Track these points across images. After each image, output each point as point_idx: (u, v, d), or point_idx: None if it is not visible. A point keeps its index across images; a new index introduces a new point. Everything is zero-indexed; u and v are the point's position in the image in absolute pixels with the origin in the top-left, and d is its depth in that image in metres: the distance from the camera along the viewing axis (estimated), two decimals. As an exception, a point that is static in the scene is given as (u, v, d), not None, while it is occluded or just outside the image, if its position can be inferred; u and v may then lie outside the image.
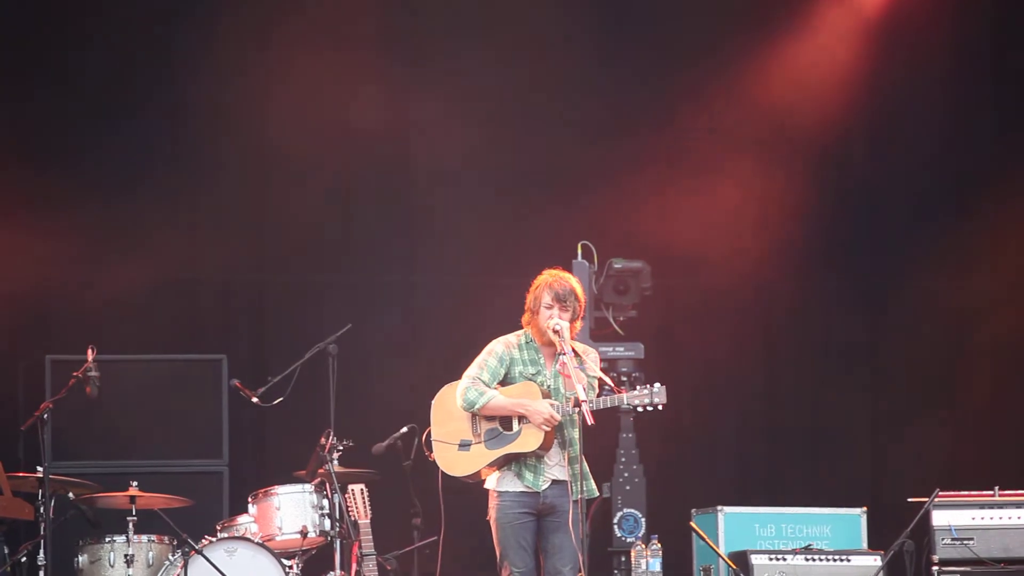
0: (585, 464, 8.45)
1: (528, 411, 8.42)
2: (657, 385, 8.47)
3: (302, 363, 10.69)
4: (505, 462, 8.47)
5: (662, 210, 12.13)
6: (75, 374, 10.13)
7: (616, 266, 11.37)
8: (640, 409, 8.52)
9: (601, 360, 8.80)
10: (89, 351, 10.09)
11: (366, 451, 10.60)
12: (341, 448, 10.37)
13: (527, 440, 8.41)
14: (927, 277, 12.29)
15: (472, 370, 8.56)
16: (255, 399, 10.71)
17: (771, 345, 12.45)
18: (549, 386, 8.50)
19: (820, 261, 12.38)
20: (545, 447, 8.40)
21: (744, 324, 12.43)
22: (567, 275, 8.62)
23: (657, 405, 8.48)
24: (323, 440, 10.29)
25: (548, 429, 8.37)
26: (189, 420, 11.80)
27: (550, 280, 8.56)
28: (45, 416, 10.08)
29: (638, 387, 8.55)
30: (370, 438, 10.67)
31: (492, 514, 8.50)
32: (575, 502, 8.31)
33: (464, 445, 8.52)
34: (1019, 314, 12.06)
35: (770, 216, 12.24)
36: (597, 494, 8.60)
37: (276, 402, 10.66)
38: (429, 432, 8.61)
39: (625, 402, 8.47)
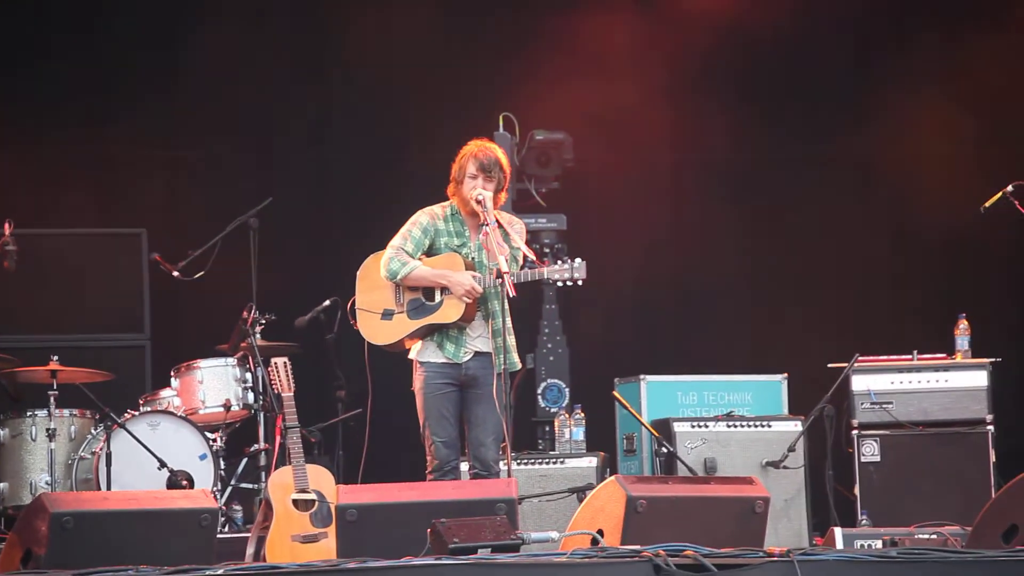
0: (511, 337, 8.46)
1: (450, 282, 8.41)
2: (578, 260, 8.47)
3: (222, 236, 10.63)
4: (427, 332, 8.47)
5: (584, 77, 12.07)
6: (-8, 247, 10.04)
7: (538, 137, 11.32)
8: (560, 284, 8.53)
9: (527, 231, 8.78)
10: (6, 225, 9.99)
11: (289, 324, 10.59)
12: (263, 322, 10.36)
13: (448, 311, 8.41)
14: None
15: (396, 240, 8.52)
16: (176, 273, 10.65)
17: (692, 212, 12.46)
18: (473, 258, 8.48)
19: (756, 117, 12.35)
20: (466, 319, 8.41)
21: (664, 192, 12.42)
22: (493, 145, 8.59)
23: (577, 280, 8.50)
24: (245, 314, 10.26)
25: (469, 301, 8.37)
26: (110, 294, 11.73)
27: (475, 150, 8.50)
28: (-37, 291, 10.01)
29: (559, 261, 8.56)
30: (292, 311, 10.65)
31: (416, 384, 8.51)
32: (498, 375, 8.32)
33: (387, 314, 8.51)
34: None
35: (690, 83, 12.20)
36: (519, 367, 8.62)
37: (197, 276, 10.61)
38: (353, 301, 8.59)
39: (546, 276, 8.47)
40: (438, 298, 8.46)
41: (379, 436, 8.92)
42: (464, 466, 8.63)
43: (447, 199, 8.60)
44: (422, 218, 8.56)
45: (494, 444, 8.42)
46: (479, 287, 8.37)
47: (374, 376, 8.68)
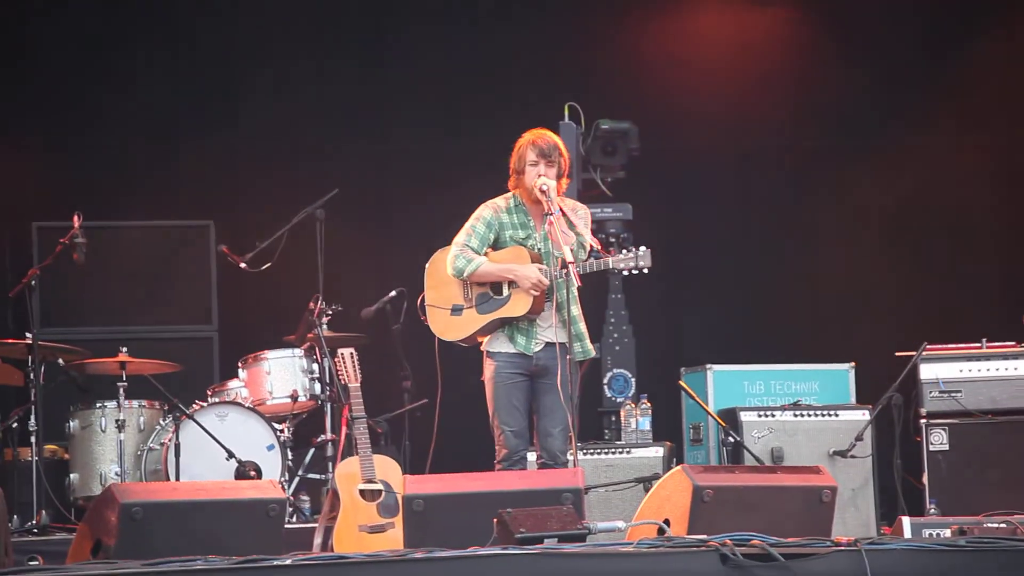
0: (581, 324, 8.46)
1: (516, 276, 8.41)
2: (643, 248, 8.45)
3: (289, 228, 10.67)
4: (497, 326, 8.48)
5: (650, 68, 12.05)
6: (62, 240, 10.12)
7: (603, 127, 11.29)
8: (626, 272, 8.51)
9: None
10: (75, 218, 10.06)
11: (355, 315, 10.62)
12: (330, 312, 10.39)
13: (516, 305, 8.41)
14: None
15: (460, 237, 8.52)
16: (243, 264, 10.70)
17: (759, 202, 12.43)
18: (540, 249, 8.48)
19: (812, 117, 12.30)
20: (535, 311, 8.41)
21: (733, 184, 12.39)
22: (548, 131, 8.57)
23: (643, 268, 8.48)
24: (312, 305, 10.30)
25: (536, 294, 8.37)
26: (177, 286, 11.80)
27: (532, 137, 8.49)
28: (33, 283, 10.09)
29: (624, 251, 8.54)
30: (359, 302, 10.68)
31: (486, 374, 8.52)
32: (564, 365, 8.31)
33: (456, 310, 8.52)
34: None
35: (766, 71, 12.15)
36: (592, 354, 8.62)
37: (264, 267, 10.65)
38: (423, 297, 8.61)
39: (611, 265, 8.46)
40: (506, 292, 8.46)
41: (447, 427, 8.93)
42: (531, 456, 8.64)
43: (509, 191, 8.60)
44: (485, 212, 8.55)
45: (562, 435, 8.41)
46: (546, 279, 8.36)
47: (443, 367, 8.69)
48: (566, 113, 11.19)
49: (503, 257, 8.47)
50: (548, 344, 8.44)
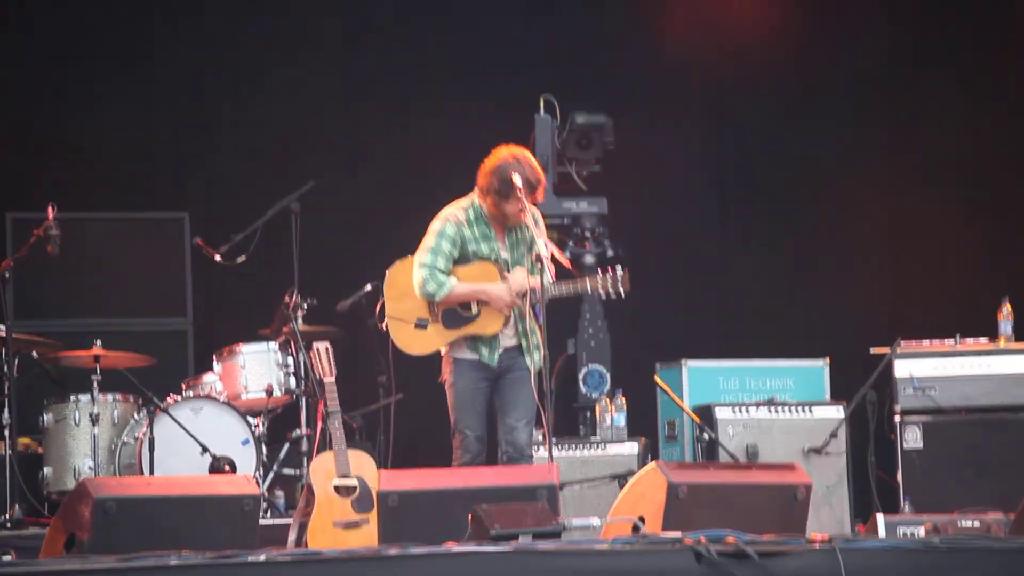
0: (538, 335, 8.44)
1: (490, 297, 8.39)
2: (619, 270, 8.46)
3: (264, 221, 10.64)
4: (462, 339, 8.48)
5: (626, 61, 12.04)
6: (36, 232, 10.07)
7: (579, 120, 11.27)
8: (603, 297, 8.52)
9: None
10: (49, 209, 10.02)
11: (330, 309, 10.59)
12: (305, 306, 10.36)
13: (487, 323, 8.42)
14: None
15: (426, 258, 8.44)
16: (217, 257, 10.66)
17: (733, 196, 12.43)
18: (505, 260, 8.46)
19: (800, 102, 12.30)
20: (504, 325, 8.41)
21: (706, 176, 12.40)
22: (529, 154, 8.49)
23: (620, 294, 8.49)
24: (287, 298, 10.27)
25: (508, 313, 8.37)
26: (152, 278, 11.76)
27: (520, 168, 8.36)
28: (6, 274, 10.04)
29: (600, 273, 8.53)
30: (334, 296, 10.65)
31: (448, 379, 8.51)
32: (538, 373, 8.31)
33: (421, 324, 8.49)
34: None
35: (743, 61, 12.15)
36: (541, 366, 8.58)
37: (239, 261, 10.62)
38: (382, 306, 8.58)
39: (588, 290, 8.49)
40: (475, 309, 8.45)
41: (415, 423, 8.93)
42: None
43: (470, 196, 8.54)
44: (448, 228, 8.47)
45: (526, 428, 8.44)
46: (518, 300, 8.35)
47: (411, 363, 8.68)
48: (541, 106, 11.17)
49: (472, 275, 8.43)
50: (507, 348, 8.45)
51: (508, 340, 8.47)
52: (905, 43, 12.26)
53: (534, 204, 8.51)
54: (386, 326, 8.58)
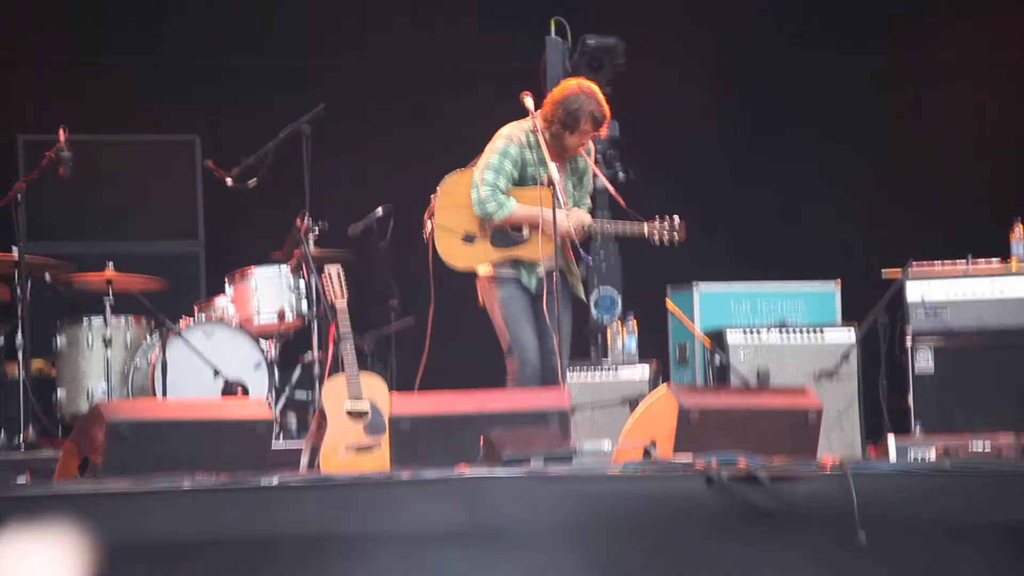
0: (574, 265, 8.46)
1: (547, 223, 8.31)
2: (677, 219, 8.45)
3: (275, 144, 10.61)
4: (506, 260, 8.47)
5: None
6: (47, 154, 10.05)
7: (589, 42, 11.20)
8: (657, 242, 8.51)
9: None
10: (61, 131, 10.00)
11: (342, 232, 10.58)
12: (316, 229, 10.34)
13: (535, 248, 8.36)
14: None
15: (488, 175, 8.41)
16: (229, 180, 10.63)
17: (742, 118, 12.39)
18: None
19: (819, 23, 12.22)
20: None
21: (716, 98, 12.35)
22: (598, 91, 8.47)
23: (675, 241, 8.48)
24: (298, 221, 10.26)
25: (559, 242, 8.33)
26: (163, 201, 11.77)
27: (594, 106, 8.38)
28: (19, 197, 10.03)
29: (657, 219, 8.49)
30: (346, 219, 10.64)
31: (497, 297, 8.46)
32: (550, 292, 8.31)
33: (468, 238, 8.45)
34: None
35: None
36: (581, 297, 8.62)
37: (250, 183, 10.60)
38: (431, 212, 8.51)
39: (646, 234, 8.46)
40: (526, 232, 8.41)
41: (433, 346, 8.92)
42: None
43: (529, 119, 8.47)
44: (511, 148, 8.44)
45: (565, 353, 8.42)
46: (572, 231, 8.33)
47: (427, 286, 8.67)
48: (552, 28, 11.10)
49: (528, 198, 8.39)
50: (542, 277, 8.44)
51: (546, 267, 8.42)
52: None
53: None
54: (430, 234, 8.52)
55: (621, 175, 10.81)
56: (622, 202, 8.53)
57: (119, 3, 11.79)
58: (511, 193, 8.42)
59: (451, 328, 8.80)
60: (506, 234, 8.44)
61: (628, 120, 11.18)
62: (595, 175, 8.43)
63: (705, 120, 12.27)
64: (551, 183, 8.27)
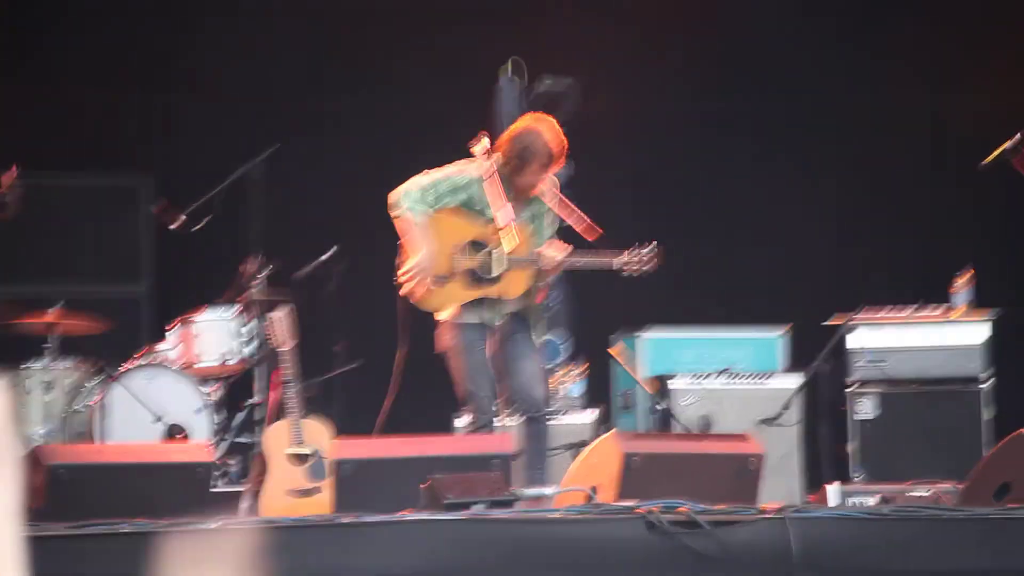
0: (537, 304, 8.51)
1: (417, 259, 8.29)
2: (648, 248, 8.44)
3: (224, 187, 10.60)
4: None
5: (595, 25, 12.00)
6: (-6, 193, 10.00)
7: (545, 83, 11.26)
8: (627, 275, 8.48)
9: None
10: (11, 171, 9.94)
11: (288, 276, 10.57)
12: (263, 273, 10.33)
13: (510, 287, 8.34)
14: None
15: (424, 180, 8.36)
16: (176, 223, 10.62)
17: (695, 161, 12.45)
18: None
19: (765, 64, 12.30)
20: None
21: (672, 140, 12.41)
22: (555, 124, 8.46)
23: (646, 271, 8.47)
24: (245, 266, 10.25)
25: (413, 284, 8.29)
26: (110, 244, 11.72)
27: (541, 143, 8.34)
28: (-38, 239, 9.99)
29: (629, 250, 8.46)
30: (294, 263, 10.63)
31: (455, 345, 8.42)
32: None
33: (440, 280, 8.43)
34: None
35: (709, 29, 12.13)
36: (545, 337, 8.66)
37: (197, 227, 10.58)
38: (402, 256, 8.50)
39: (614, 267, 8.45)
40: (495, 271, 8.38)
41: (380, 391, 8.91)
42: (461, 421, 8.69)
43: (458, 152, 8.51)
44: (458, 179, 8.38)
45: (542, 385, 8.43)
46: (419, 279, 8.26)
47: (378, 328, 8.65)
48: (509, 68, 11.16)
49: (474, 231, 8.36)
50: (509, 314, 8.42)
51: (512, 306, 8.42)
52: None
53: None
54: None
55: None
56: (593, 234, 8.51)
57: (67, 42, 11.75)
58: (472, 227, 8.38)
59: (411, 373, 8.80)
60: (477, 276, 8.40)
61: (583, 161, 11.22)
62: (564, 209, 8.38)
63: (656, 163, 12.32)
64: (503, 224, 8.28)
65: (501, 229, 8.23)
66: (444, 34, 11.95)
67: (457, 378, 8.42)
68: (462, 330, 8.41)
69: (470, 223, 8.40)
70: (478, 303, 8.40)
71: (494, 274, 8.38)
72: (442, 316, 8.46)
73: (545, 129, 8.39)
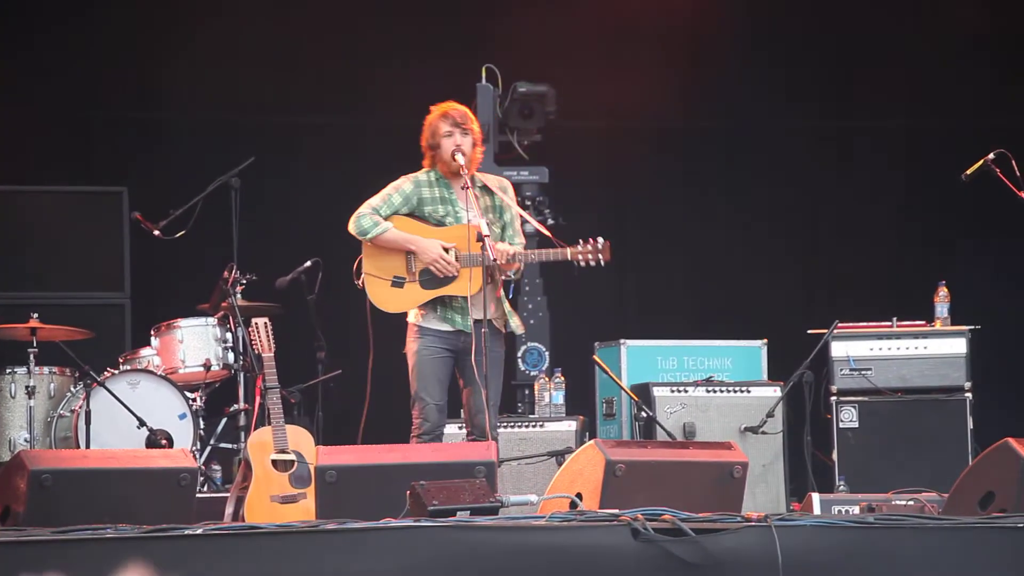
0: (504, 303, 8.49)
1: (419, 248, 8.39)
2: (601, 240, 8.48)
3: (204, 196, 10.60)
4: (436, 301, 8.47)
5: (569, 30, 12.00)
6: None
7: (520, 89, 11.27)
8: (583, 264, 8.51)
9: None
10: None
11: (270, 285, 10.57)
12: (244, 282, 10.33)
13: (463, 285, 8.37)
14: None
15: (375, 200, 8.50)
16: (156, 232, 10.62)
17: (677, 177, 12.47)
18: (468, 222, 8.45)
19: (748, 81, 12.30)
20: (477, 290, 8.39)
21: (653, 157, 12.43)
22: (453, 103, 8.56)
23: (600, 262, 8.50)
24: (226, 274, 10.24)
25: (437, 271, 8.35)
26: (90, 252, 11.70)
27: (443, 110, 8.51)
28: (-58, 248, 9.98)
29: (580, 243, 8.51)
30: (274, 272, 10.63)
31: (411, 347, 8.47)
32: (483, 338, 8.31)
33: (398, 282, 8.47)
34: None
35: (690, 40, 12.14)
36: (521, 330, 8.64)
37: (178, 235, 10.58)
38: (360, 262, 8.52)
39: (568, 258, 8.48)
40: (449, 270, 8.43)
41: (360, 397, 8.91)
42: (449, 429, 8.67)
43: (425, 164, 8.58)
44: (405, 184, 8.53)
45: (492, 411, 8.43)
46: (450, 259, 8.34)
47: (359, 336, 8.66)
48: (483, 75, 11.17)
49: (449, 236, 8.43)
50: (476, 320, 8.43)
51: (477, 312, 8.42)
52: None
53: (479, 157, 8.53)
54: (362, 283, 8.52)
55: (550, 221, 10.89)
56: (547, 232, 8.56)
57: (46, 53, 11.73)
58: (433, 234, 8.43)
59: (389, 379, 8.79)
60: (430, 273, 8.44)
61: (557, 167, 11.23)
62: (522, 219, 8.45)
63: (634, 175, 12.34)
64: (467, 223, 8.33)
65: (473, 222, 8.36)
66: (419, 42, 11.95)
67: (411, 380, 8.45)
68: (423, 334, 8.46)
69: (421, 225, 8.49)
70: (443, 307, 8.43)
71: (449, 273, 8.42)
72: (409, 319, 8.49)
73: (440, 106, 8.56)
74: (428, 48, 11.97)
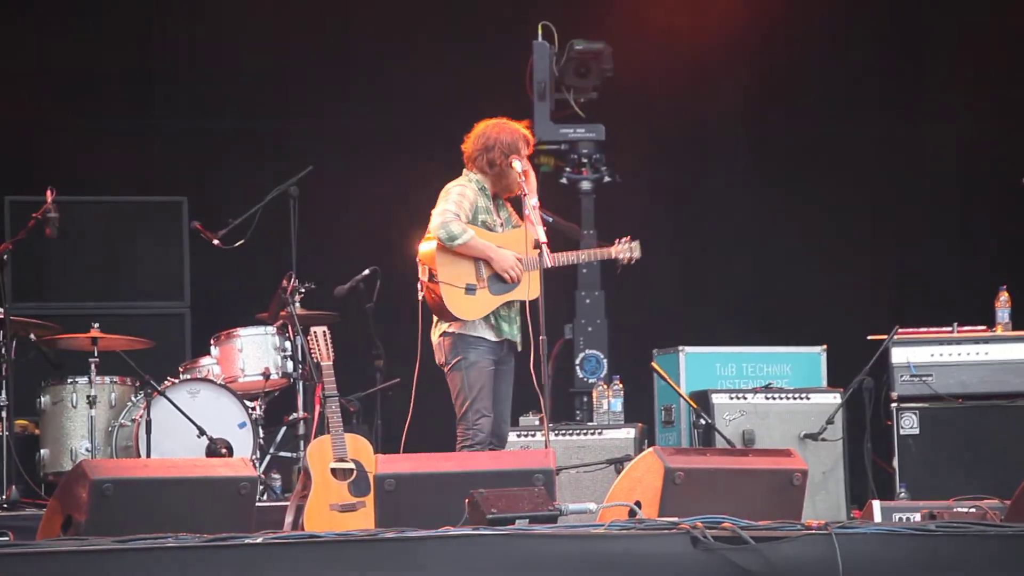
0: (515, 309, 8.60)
1: (495, 257, 8.41)
2: (636, 243, 8.59)
3: (263, 205, 10.65)
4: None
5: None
6: (34, 215, 10.07)
7: (577, 47, 11.23)
8: (625, 263, 8.57)
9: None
10: (48, 192, 10.02)
11: (328, 293, 10.61)
12: (303, 290, 10.37)
13: (525, 289, 8.46)
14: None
15: (452, 206, 8.46)
16: (216, 241, 10.67)
17: (733, 176, 12.43)
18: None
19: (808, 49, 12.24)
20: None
21: (709, 161, 12.40)
22: (511, 124, 8.59)
23: (632, 260, 8.56)
24: (285, 282, 10.28)
25: (507, 278, 8.40)
26: (150, 262, 11.78)
27: (523, 132, 8.54)
28: (4, 257, 10.04)
29: (617, 241, 8.58)
30: (332, 280, 10.67)
31: (465, 358, 8.47)
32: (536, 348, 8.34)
33: (470, 289, 8.49)
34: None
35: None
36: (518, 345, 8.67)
37: (237, 244, 10.63)
38: (431, 272, 8.50)
39: (613, 255, 8.57)
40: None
41: (417, 408, 8.91)
42: (512, 436, 8.77)
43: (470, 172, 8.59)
44: (468, 191, 8.53)
45: (508, 421, 8.55)
46: (520, 269, 8.40)
47: (412, 346, 8.67)
48: (540, 32, 11.16)
49: (505, 242, 8.49)
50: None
51: (518, 319, 8.52)
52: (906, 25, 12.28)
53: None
54: (427, 291, 8.50)
55: (607, 178, 10.90)
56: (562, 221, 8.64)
57: (108, 67, 11.82)
58: (488, 238, 8.48)
59: (438, 389, 8.79)
60: (499, 280, 8.48)
61: (614, 124, 11.19)
62: (540, 213, 8.48)
63: (692, 182, 12.31)
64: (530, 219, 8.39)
65: (521, 226, 8.45)
66: (470, 13, 11.90)
67: (457, 393, 8.47)
68: (472, 344, 8.49)
69: (482, 231, 8.52)
70: (495, 318, 8.48)
71: (516, 281, 8.45)
72: (447, 329, 8.51)
73: (502, 126, 8.56)
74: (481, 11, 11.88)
